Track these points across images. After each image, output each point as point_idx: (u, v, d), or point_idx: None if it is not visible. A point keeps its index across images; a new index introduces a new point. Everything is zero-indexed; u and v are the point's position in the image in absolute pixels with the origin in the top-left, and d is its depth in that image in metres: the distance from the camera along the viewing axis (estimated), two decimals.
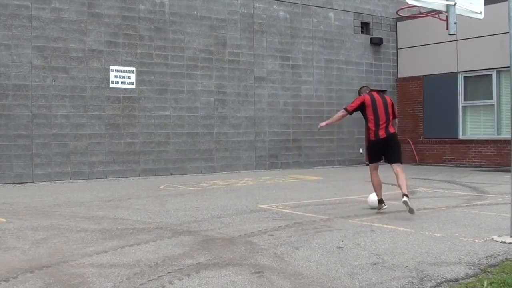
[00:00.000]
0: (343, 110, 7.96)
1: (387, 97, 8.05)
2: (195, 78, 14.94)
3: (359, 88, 8.75)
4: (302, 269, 4.82)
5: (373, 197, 8.12)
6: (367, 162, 8.22)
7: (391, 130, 7.78)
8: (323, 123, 8.17)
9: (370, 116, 7.70)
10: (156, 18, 14.36)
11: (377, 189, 7.89)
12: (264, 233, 6.46)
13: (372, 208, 8.10)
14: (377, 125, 7.68)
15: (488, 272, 4.68)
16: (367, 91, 8.07)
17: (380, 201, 7.91)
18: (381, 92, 8.44)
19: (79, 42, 13.26)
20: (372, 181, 7.94)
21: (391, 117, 7.81)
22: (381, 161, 7.93)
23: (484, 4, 7.89)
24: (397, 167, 7.65)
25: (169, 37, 14.53)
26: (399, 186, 7.48)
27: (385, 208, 7.90)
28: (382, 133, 7.68)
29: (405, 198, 7.22)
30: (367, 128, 7.85)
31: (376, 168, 7.91)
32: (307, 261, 5.09)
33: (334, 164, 17.31)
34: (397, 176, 7.55)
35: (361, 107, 7.79)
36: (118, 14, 13.80)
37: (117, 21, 13.79)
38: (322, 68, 17.29)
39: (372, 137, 7.75)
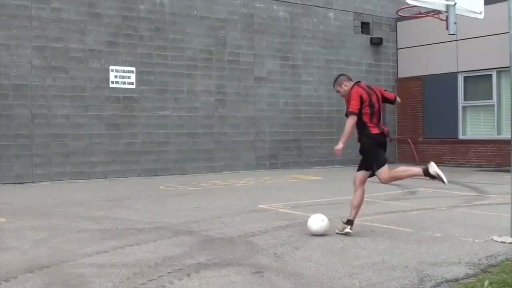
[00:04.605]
0: (352, 115, 6.22)
1: (374, 87, 6.66)
2: (195, 78, 14.94)
3: (336, 77, 6.78)
4: (302, 269, 4.82)
5: (316, 224, 6.26)
6: (377, 167, 6.22)
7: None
8: (340, 146, 6.27)
9: (366, 110, 6.27)
10: (156, 18, 14.36)
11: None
12: (264, 233, 6.46)
13: (316, 234, 6.23)
14: (376, 119, 6.38)
15: (488, 272, 4.67)
16: (354, 81, 6.55)
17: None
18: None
19: (79, 42, 13.25)
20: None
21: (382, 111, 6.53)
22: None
23: (484, 4, 7.88)
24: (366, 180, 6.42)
25: (169, 37, 14.53)
26: (355, 207, 6.30)
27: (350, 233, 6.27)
28: (386, 129, 6.43)
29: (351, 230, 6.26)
30: (364, 124, 6.29)
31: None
32: (307, 261, 5.09)
33: (334, 164, 17.29)
34: (362, 194, 6.34)
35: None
36: (118, 14, 13.80)
37: (117, 21, 13.78)
38: (322, 68, 17.29)
39: (376, 130, 6.28)
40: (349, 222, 6.29)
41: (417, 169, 6.19)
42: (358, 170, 6.46)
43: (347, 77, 6.68)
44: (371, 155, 6.34)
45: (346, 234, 6.22)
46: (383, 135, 6.34)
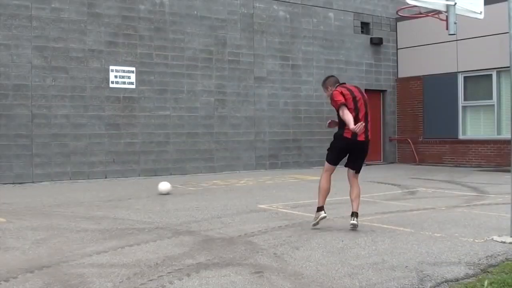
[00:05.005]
0: (342, 106, 6.41)
1: (365, 94, 6.82)
2: (195, 78, 14.94)
3: (326, 77, 7.13)
4: (302, 269, 4.82)
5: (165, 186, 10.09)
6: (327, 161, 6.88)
7: (369, 134, 6.65)
8: (352, 126, 6.25)
9: (350, 111, 6.43)
10: (156, 18, 14.36)
11: (325, 195, 6.77)
12: (264, 233, 6.47)
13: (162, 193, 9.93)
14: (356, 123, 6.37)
15: (488, 272, 4.68)
16: (338, 84, 6.78)
17: (322, 208, 6.71)
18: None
19: (79, 42, 13.25)
20: (322, 185, 6.76)
21: (369, 118, 6.70)
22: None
23: (484, 4, 7.88)
24: (357, 177, 6.80)
25: (169, 37, 14.53)
26: (353, 200, 6.62)
27: (323, 218, 6.68)
28: (361, 136, 6.45)
29: (356, 221, 6.47)
30: (343, 127, 6.52)
31: (333, 171, 6.83)
32: (307, 261, 5.09)
33: None
34: (354, 187, 6.72)
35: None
36: (118, 14, 13.80)
37: (117, 21, 13.78)
38: (322, 68, 17.28)
39: (349, 135, 6.44)
40: (354, 214, 6.54)
41: (321, 200, 6.69)
42: (346, 166, 6.87)
43: (335, 81, 6.86)
44: (329, 150, 6.83)
45: (354, 226, 6.48)
46: (354, 141, 6.46)
